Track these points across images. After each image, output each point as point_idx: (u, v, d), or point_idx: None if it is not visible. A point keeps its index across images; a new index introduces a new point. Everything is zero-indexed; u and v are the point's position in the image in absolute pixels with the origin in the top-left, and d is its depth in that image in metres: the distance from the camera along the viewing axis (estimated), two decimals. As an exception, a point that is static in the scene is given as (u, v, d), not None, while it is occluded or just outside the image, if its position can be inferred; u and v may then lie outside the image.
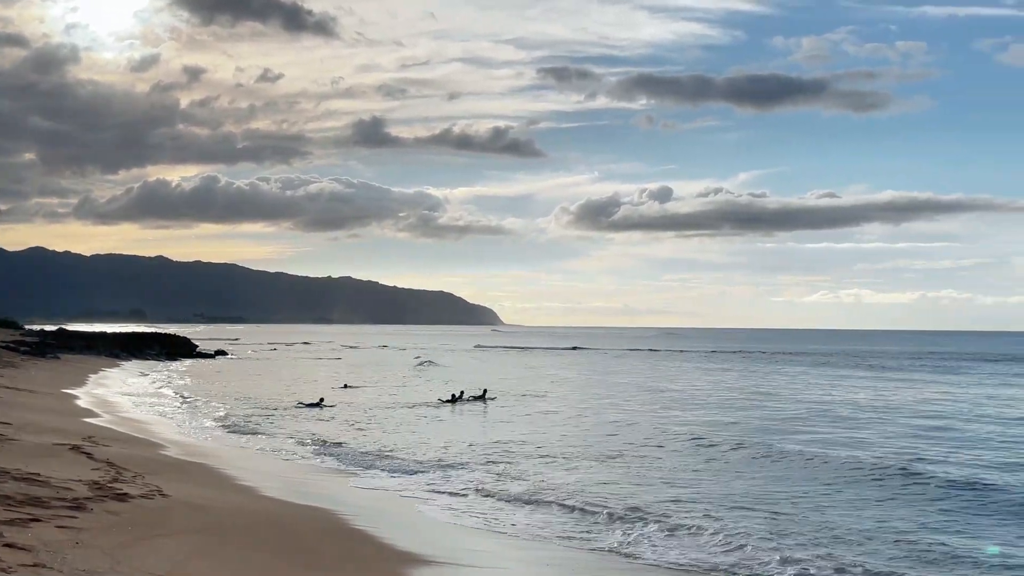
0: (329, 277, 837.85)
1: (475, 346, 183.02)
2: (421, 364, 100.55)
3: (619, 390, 65.08)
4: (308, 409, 48.02)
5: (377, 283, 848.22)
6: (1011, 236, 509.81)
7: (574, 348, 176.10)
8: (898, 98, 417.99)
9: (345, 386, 64.97)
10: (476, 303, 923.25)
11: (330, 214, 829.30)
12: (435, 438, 36.15)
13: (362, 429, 39.45)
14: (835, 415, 46.50)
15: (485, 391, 55.54)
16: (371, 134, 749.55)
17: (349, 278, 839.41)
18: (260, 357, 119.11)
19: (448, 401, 53.09)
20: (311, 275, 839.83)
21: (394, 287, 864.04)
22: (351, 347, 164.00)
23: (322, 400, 50.81)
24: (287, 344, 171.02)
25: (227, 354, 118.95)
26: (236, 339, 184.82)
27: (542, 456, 31.36)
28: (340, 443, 34.21)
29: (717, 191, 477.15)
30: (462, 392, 54.61)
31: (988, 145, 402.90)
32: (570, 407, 51.08)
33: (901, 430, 39.70)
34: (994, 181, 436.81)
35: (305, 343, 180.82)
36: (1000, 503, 23.18)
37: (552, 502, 23.02)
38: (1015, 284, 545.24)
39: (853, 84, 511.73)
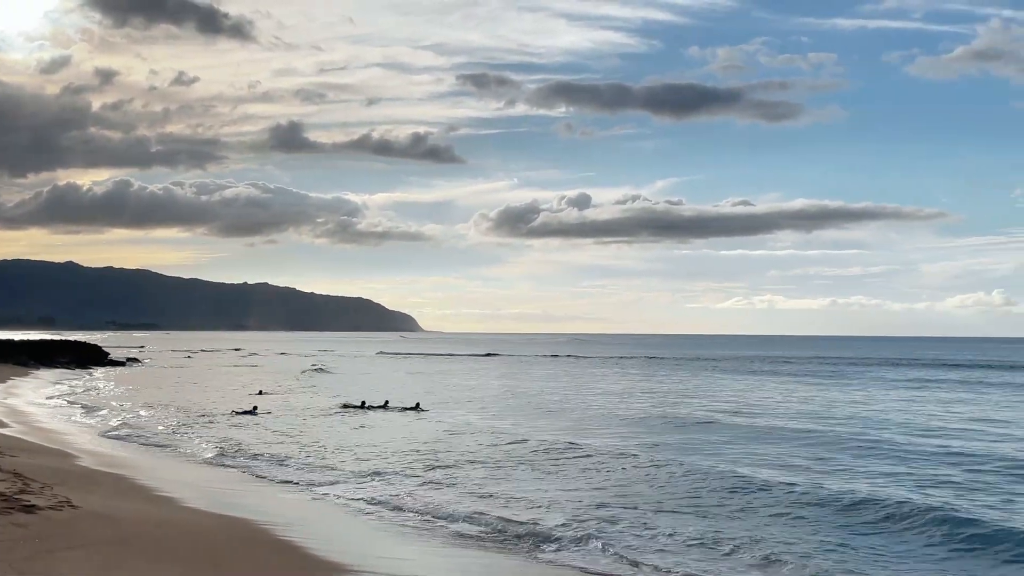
0: (245, 284, 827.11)
1: (377, 352, 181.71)
2: (306, 371, 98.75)
3: (498, 397, 64.86)
4: (241, 416, 47.46)
5: (294, 289, 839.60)
6: (918, 243, 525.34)
7: (488, 355, 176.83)
8: (810, 108, 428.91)
9: (260, 392, 64.24)
10: (395, 310, 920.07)
11: (246, 219, 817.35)
12: (362, 446, 35.83)
13: (291, 436, 38.98)
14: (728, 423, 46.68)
15: (418, 404, 54.55)
16: (288, 139, 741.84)
17: (266, 284, 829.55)
18: (173, 365, 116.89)
19: (356, 407, 52.43)
20: (227, 281, 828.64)
21: (311, 293, 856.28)
22: (253, 354, 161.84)
23: (255, 408, 50.31)
24: (193, 352, 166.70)
25: (140, 362, 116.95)
26: (142, 347, 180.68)
27: (467, 463, 31.30)
28: (264, 452, 33.68)
29: (635, 198, 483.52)
30: (363, 402, 54.05)
31: (896, 154, 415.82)
32: (463, 415, 50.61)
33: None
34: (902, 190, 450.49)
35: (214, 350, 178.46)
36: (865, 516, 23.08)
37: (473, 512, 22.98)
38: (922, 290, 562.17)
39: (766, 94, 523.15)
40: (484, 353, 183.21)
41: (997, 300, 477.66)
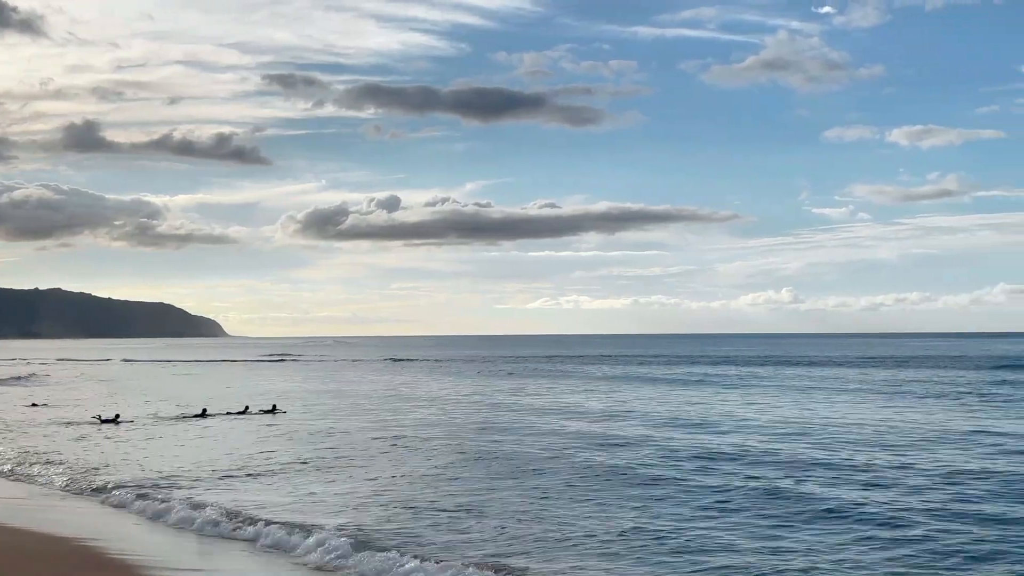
0: (36, 289, 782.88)
1: (122, 360, 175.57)
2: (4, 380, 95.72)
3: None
4: (104, 425, 48.31)
5: (91, 295, 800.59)
6: (714, 244, 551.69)
7: (281, 359, 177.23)
8: (612, 113, 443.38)
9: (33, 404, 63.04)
10: (199, 314, 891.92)
11: (38, 222, 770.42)
12: (184, 455, 36.48)
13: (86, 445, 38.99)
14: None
15: (274, 405, 56.28)
16: (84, 138, 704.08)
17: (59, 289, 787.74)
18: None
19: (107, 421, 49.83)
20: (16, 287, 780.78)
21: (109, 299, 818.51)
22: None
23: (118, 416, 50.64)
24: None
25: None
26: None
27: (245, 474, 32.66)
28: (67, 461, 33.91)
29: (444, 200, 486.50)
30: (117, 416, 50.88)
31: (693, 159, 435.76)
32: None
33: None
34: (698, 193, 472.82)
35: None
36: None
37: (261, 519, 24.34)
38: (717, 290, 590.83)
39: (571, 99, 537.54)
40: (278, 357, 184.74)
41: (786, 298, 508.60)
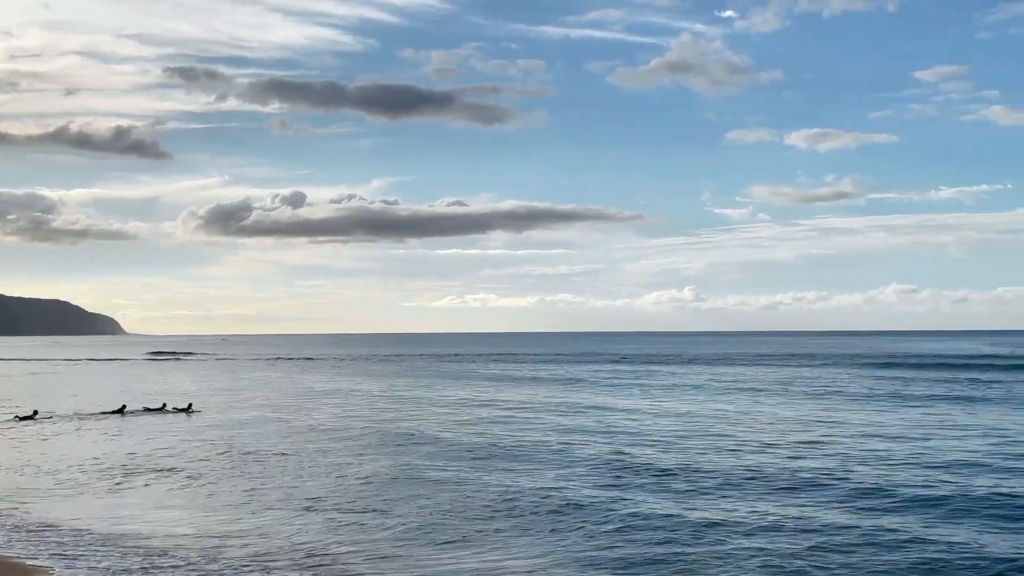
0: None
1: None
2: None
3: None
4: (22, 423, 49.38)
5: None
6: (619, 244, 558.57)
7: (174, 356, 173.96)
8: (520, 112, 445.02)
9: None
10: (96, 312, 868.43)
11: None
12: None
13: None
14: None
15: (190, 404, 57.14)
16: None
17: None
18: None
19: (24, 419, 51.26)
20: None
21: (1, 295, 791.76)
22: None
23: (35, 412, 52.02)
24: None
25: None
26: None
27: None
28: None
29: (351, 197, 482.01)
30: (36, 411, 53.02)
31: (599, 159, 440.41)
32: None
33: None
34: (605, 192, 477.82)
35: None
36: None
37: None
38: (622, 288, 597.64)
39: (479, 98, 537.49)
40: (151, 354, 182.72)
41: (688, 296, 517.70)
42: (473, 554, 21.08)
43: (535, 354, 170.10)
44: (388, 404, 61.88)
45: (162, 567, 20.02)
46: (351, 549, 21.54)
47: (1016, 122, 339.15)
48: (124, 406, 56.11)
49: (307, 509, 25.91)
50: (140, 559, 20.72)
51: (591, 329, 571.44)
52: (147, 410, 55.94)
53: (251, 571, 19.73)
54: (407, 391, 75.35)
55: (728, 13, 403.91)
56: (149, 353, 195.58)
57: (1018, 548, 20.78)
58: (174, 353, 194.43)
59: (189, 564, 20.27)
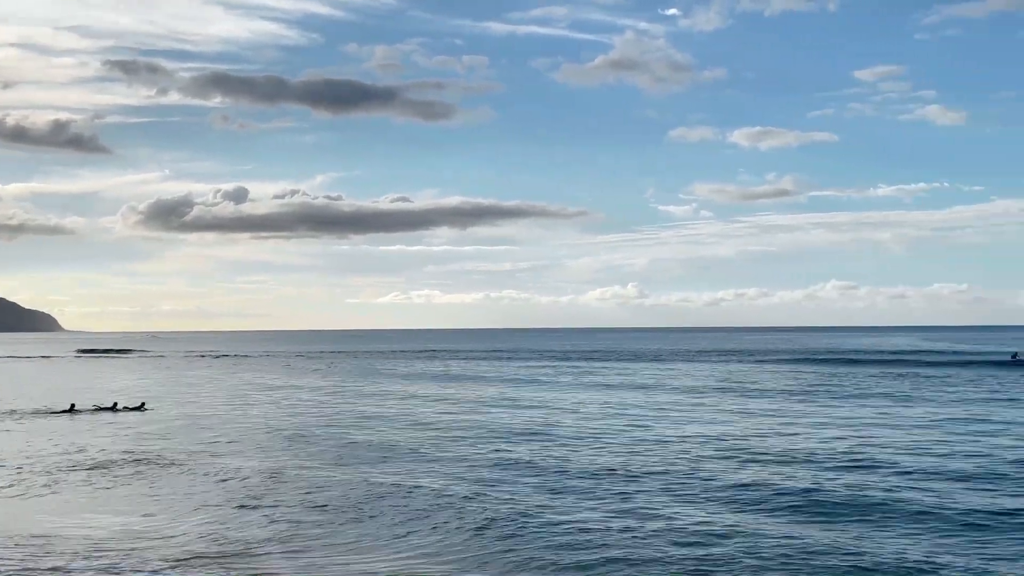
0: None
1: None
2: None
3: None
4: None
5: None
6: (563, 240, 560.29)
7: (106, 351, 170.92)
8: (464, 108, 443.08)
9: None
10: (33, 308, 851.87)
11: None
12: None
13: None
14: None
15: (143, 403, 56.72)
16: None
17: None
18: None
19: None
20: None
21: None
22: None
23: None
24: None
25: None
26: None
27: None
28: None
29: (294, 193, 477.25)
30: None
31: (544, 156, 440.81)
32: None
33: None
34: (549, 189, 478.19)
35: None
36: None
37: None
38: (566, 284, 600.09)
39: (422, 94, 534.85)
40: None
41: (632, 293, 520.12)
42: (387, 555, 21.14)
43: (461, 351, 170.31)
44: (323, 402, 61.85)
45: (74, 570, 19.57)
46: (275, 549, 21.42)
47: (952, 122, 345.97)
48: (73, 404, 55.41)
49: (241, 507, 25.93)
50: (56, 559, 20.34)
51: (536, 325, 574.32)
52: (98, 408, 55.29)
53: (165, 572, 19.38)
54: (344, 390, 74.99)
55: (672, 11, 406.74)
56: (79, 351, 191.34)
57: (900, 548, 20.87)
58: (108, 351, 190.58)
59: (107, 566, 19.77)
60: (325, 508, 25.64)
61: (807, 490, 26.76)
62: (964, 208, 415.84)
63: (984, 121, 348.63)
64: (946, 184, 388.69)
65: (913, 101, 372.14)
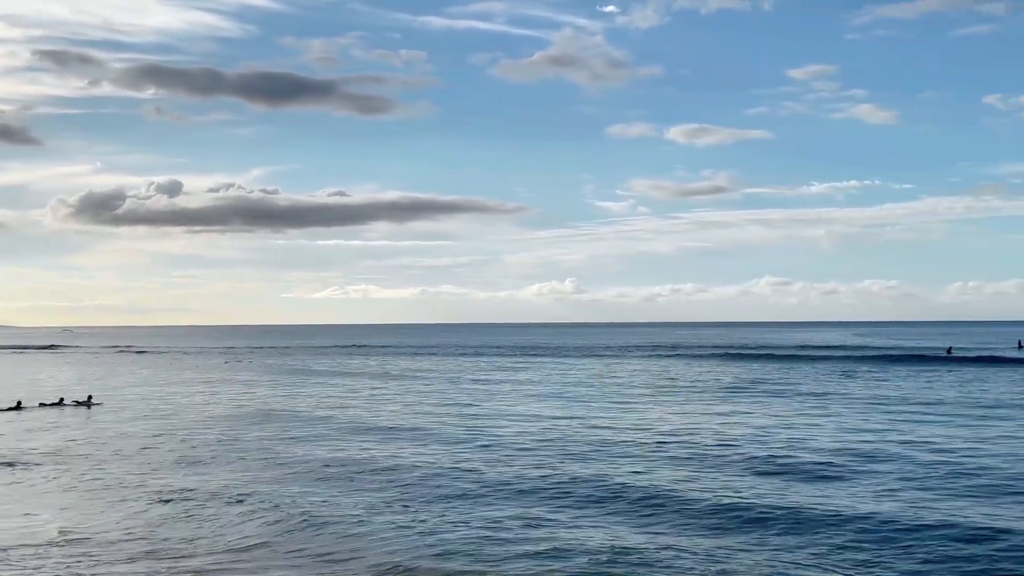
0: None
1: None
2: None
3: None
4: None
5: None
6: (501, 235, 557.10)
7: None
8: (402, 103, 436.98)
9: None
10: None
11: None
12: None
13: None
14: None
15: (90, 397, 56.17)
16: None
17: None
18: None
19: None
20: None
21: None
22: None
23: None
24: None
25: None
26: None
27: None
28: None
29: (229, 186, 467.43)
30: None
31: (482, 151, 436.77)
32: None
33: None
34: (487, 184, 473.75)
35: None
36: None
37: None
38: (504, 280, 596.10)
39: (360, 87, 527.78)
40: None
41: (569, 288, 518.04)
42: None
43: (386, 346, 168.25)
44: (256, 394, 59.44)
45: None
46: (202, 547, 20.65)
47: (883, 120, 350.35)
48: (19, 402, 53.75)
49: (162, 502, 25.32)
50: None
51: (474, 321, 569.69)
52: (42, 405, 54.28)
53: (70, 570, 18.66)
54: (274, 385, 72.71)
55: (609, 8, 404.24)
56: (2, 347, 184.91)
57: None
58: (23, 347, 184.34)
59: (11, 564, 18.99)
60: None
61: (720, 492, 24.79)
62: (894, 206, 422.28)
63: (914, 120, 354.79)
64: (877, 182, 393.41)
65: (845, 100, 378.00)
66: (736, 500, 23.84)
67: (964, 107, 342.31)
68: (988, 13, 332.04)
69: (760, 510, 22.64)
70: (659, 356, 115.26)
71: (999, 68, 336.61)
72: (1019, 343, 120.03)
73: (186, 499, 25.65)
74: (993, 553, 18.78)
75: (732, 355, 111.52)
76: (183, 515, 23.82)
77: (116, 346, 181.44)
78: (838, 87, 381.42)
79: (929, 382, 65.69)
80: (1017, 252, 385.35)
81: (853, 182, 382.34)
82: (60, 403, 54.54)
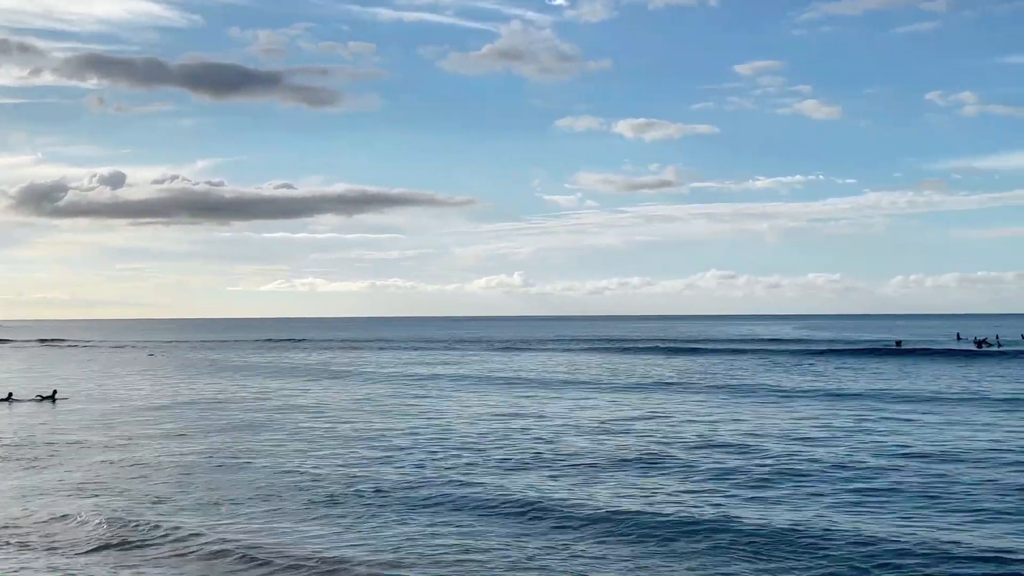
0: None
1: None
2: None
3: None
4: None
5: None
6: (450, 228, 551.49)
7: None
8: (350, 95, 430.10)
9: None
10: None
11: None
12: None
13: None
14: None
15: (55, 391, 54.51)
16: None
17: None
18: None
19: None
20: None
21: None
22: None
23: None
24: None
25: None
26: None
27: None
28: None
29: (174, 178, 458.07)
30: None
31: (431, 144, 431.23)
32: None
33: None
34: (436, 177, 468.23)
35: None
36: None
37: None
38: (452, 273, 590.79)
39: (307, 79, 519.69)
40: None
41: (517, 281, 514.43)
42: None
43: (325, 340, 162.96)
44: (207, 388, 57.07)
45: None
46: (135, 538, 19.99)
47: (827, 116, 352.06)
48: (11, 393, 53.86)
49: (94, 496, 24.31)
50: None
51: (423, 314, 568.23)
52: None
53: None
54: (219, 380, 69.54)
55: (558, 2, 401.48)
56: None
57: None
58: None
59: None
60: None
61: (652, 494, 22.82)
62: (838, 200, 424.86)
63: (857, 115, 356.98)
64: (821, 177, 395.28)
65: (790, 95, 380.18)
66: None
67: (906, 103, 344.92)
68: (930, 10, 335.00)
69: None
70: (598, 351, 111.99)
71: (940, 65, 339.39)
72: (957, 335, 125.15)
73: None
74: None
75: (671, 349, 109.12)
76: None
77: (43, 340, 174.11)
78: (783, 82, 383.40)
79: (876, 374, 63.65)
80: (957, 246, 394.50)
81: (798, 177, 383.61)
82: (9, 398, 53.21)
